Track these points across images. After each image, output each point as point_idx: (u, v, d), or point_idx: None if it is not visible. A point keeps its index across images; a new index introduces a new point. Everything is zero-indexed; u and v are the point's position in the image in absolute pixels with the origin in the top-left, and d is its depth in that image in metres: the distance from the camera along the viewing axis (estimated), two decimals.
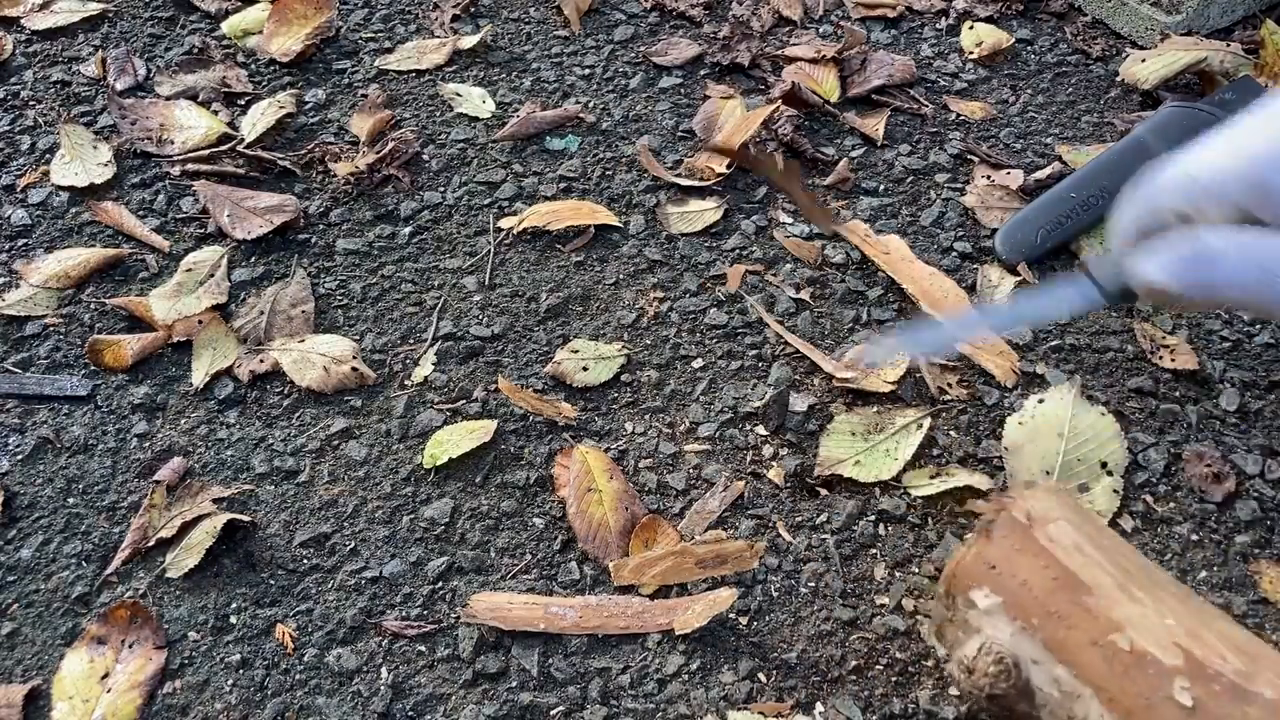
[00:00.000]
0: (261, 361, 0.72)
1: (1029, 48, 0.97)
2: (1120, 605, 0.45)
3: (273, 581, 0.62)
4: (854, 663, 0.57)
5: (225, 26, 0.99)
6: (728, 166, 0.84)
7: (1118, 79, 0.93)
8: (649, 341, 0.74)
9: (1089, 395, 0.67)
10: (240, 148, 0.87)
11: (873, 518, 0.64)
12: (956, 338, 0.43)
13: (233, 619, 0.60)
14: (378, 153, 0.85)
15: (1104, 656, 0.44)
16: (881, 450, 0.66)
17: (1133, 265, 0.43)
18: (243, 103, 0.92)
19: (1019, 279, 0.74)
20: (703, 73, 0.95)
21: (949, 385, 0.69)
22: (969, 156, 0.86)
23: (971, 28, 0.98)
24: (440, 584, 0.61)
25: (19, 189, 0.85)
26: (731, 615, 0.59)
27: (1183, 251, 0.41)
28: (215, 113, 0.90)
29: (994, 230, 0.79)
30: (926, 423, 0.67)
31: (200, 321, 0.74)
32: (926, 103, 0.91)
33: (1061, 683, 0.45)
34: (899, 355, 0.43)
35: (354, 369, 0.71)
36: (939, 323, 0.44)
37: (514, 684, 0.57)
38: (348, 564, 0.62)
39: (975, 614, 0.48)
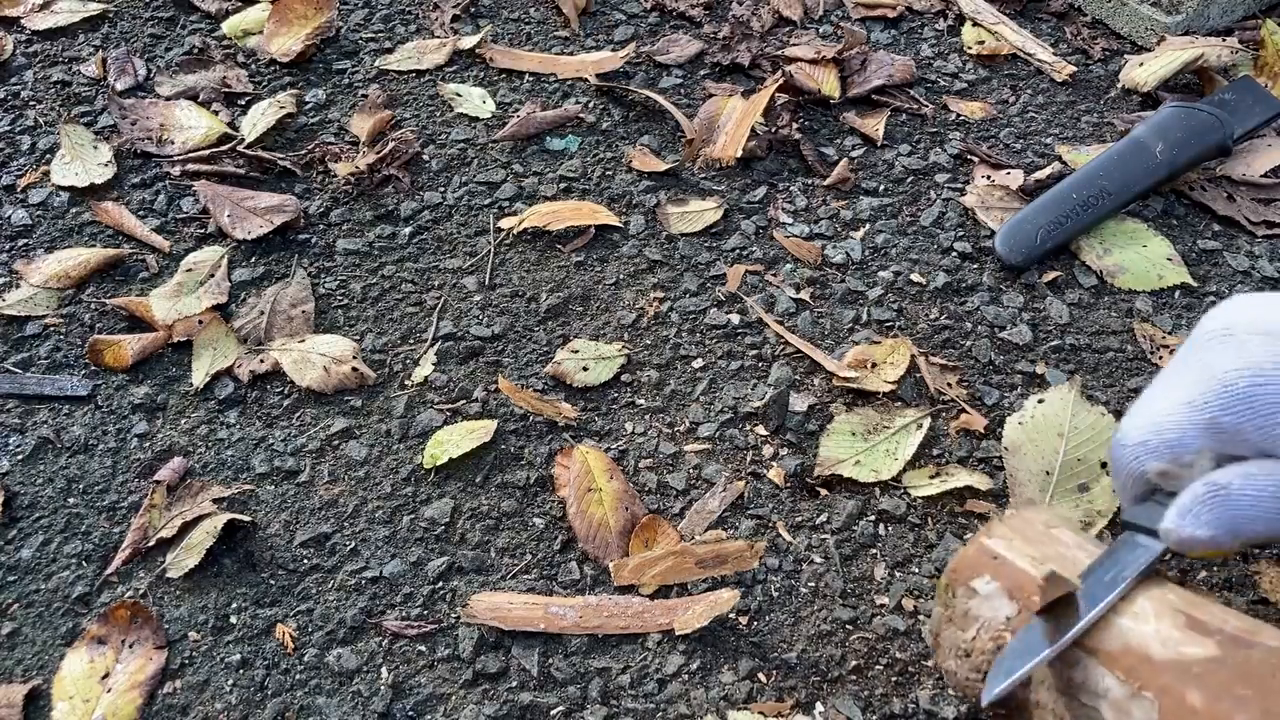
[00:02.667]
0: (262, 361, 0.72)
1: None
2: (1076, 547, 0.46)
3: (273, 581, 0.62)
4: (854, 663, 0.57)
5: (225, 26, 0.99)
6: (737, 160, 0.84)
7: (1118, 81, 0.93)
8: (649, 341, 0.74)
9: (1089, 395, 0.67)
10: (240, 148, 0.87)
11: (873, 518, 0.64)
12: (1053, 649, 0.44)
13: (233, 619, 0.60)
14: (378, 153, 0.85)
15: (1104, 627, 0.44)
16: (882, 450, 0.66)
17: (1175, 530, 0.43)
18: (243, 103, 0.92)
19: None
20: (702, 73, 0.95)
21: (949, 385, 0.69)
22: (969, 156, 0.86)
23: (975, 27, 0.98)
24: (440, 584, 0.61)
25: (19, 189, 0.85)
26: (731, 615, 0.59)
27: (1201, 496, 0.42)
28: (215, 113, 0.90)
29: (994, 230, 0.79)
30: (926, 423, 0.67)
31: (200, 321, 0.74)
32: (926, 103, 0.91)
33: (1062, 652, 0.45)
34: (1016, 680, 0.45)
35: (354, 369, 0.71)
36: (1035, 640, 0.45)
37: (514, 684, 0.57)
38: (348, 564, 0.62)
39: (976, 601, 0.48)
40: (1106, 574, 0.46)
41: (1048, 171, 0.83)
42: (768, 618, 0.59)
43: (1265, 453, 0.42)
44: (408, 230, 0.81)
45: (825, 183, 0.84)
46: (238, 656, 0.58)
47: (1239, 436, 0.42)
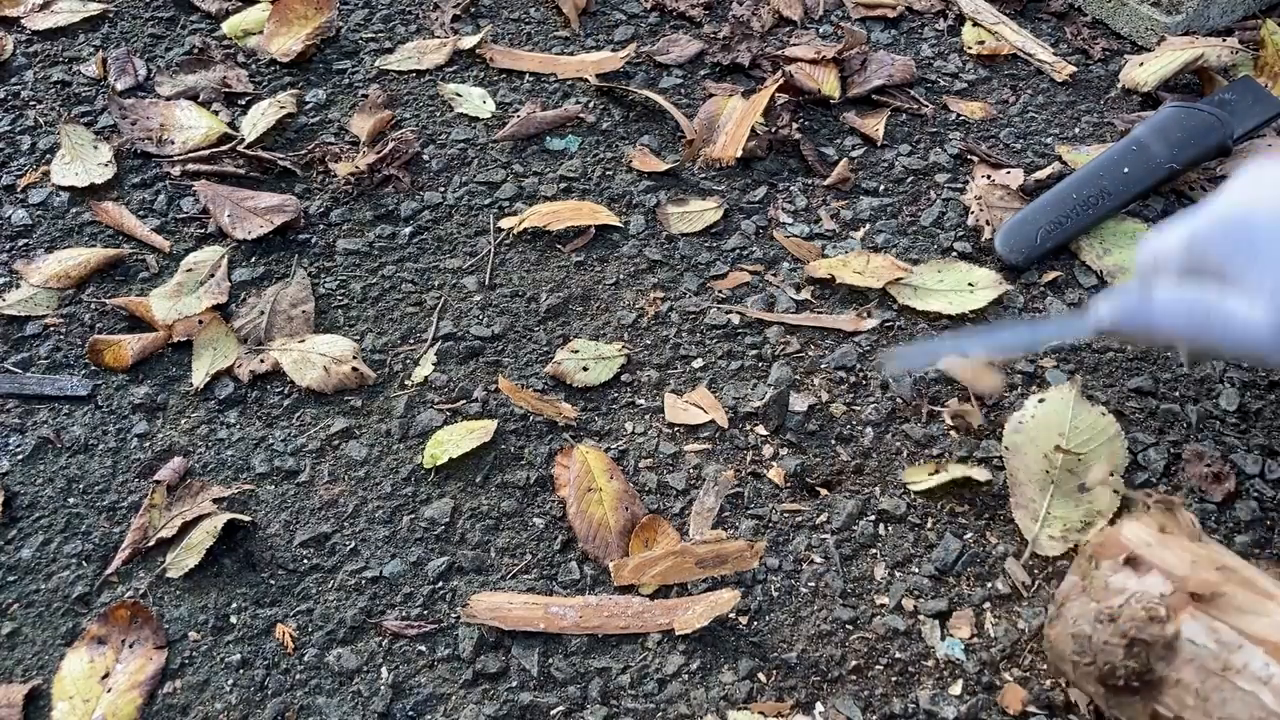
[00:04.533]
0: (262, 361, 0.72)
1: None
2: (1265, 579, 0.48)
3: (273, 581, 0.62)
4: (854, 663, 0.57)
5: (225, 26, 0.99)
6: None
7: (1118, 81, 0.93)
8: (649, 341, 0.74)
9: (1089, 395, 0.67)
10: (240, 148, 0.87)
11: (873, 518, 0.64)
12: (957, 351, 0.49)
13: (233, 619, 0.60)
14: (378, 153, 0.85)
15: (1259, 614, 0.45)
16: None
17: (1093, 305, 0.51)
18: (243, 103, 0.92)
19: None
20: (702, 73, 0.95)
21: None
22: (969, 156, 0.86)
23: (975, 26, 0.98)
24: (440, 584, 0.61)
25: (19, 189, 0.85)
26: (731, 615, 0.59)
27: (1129, 297, 0.50)
28: (215, 113, 0.90)
29: (994, 230, 0.79)
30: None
31: (200, 321, 0.74)
32: (926, 103, 0.91)
33: (1220, 634, 0.46)
34: (912, 368, 0.50)
35: (354, 369, 0.71)
36: (943, 339, 0.50)
37: (514, 684, 0.57)
38: (348, 564, 0.62)
39: (1123, 576, 0.49)
40: (1045, 323, 0.52)
41: (1048, 171, 0.83)
42: (768, 618, 0.59)
43: (1222, 279, 0.47)
44: (408, 230, 0.81)
45: (825, 183, 0.84)
46: (238, 656, 0.58)
47: (1206, 257, 0.47)
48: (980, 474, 0.64)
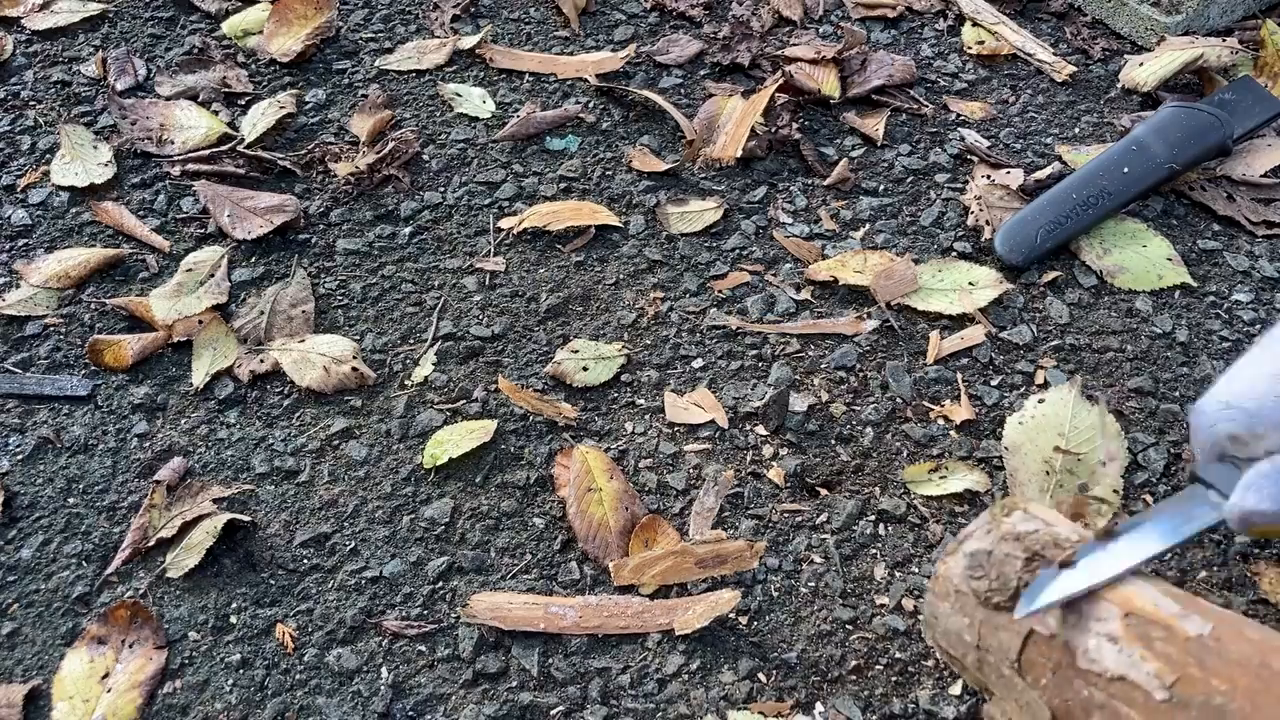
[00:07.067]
0: (261, 361, 0.72)
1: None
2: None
3: (273, 581, 0.62)
4: (854, 663, 0.57)
5: (225, 26, 0.99)
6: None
7: (1118, 82, 0.93)
8: (649, 341, 0.74)
9: (1089, 395, 0.67)
10: (240, 148, 0.87)
11: (873, 518, 0.64)
12: (1095, 583, 0.46)
13: (233, 619, 0.60)
14: (378, 153, 0.85)
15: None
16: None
17: (1238, 502, 0.45)
18: (243, 103, 0.92)
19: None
20: (702, 73, 0.95)
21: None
22: (969, 156, 0.86)
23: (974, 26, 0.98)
24: (440, 584, 0.61)
25: (19, 189, 0.85)
26: (731, 615, 0.59)
27: (1266, 473, 0.44)
28: (215, 113, 0.90)
29: (994, 230, 0.79)
30: None
31: (200, 321, 0.74)
32: (926, 103, 0.91)
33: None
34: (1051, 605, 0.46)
35: (354, 369, 0.71)
36: (1072, 569, 0.47)
37: (514, 684, 0.57)
38: (348, 564, 0.62)
39: (1034, 521, 0.50)
40: (1171, 520, 0.48)
41: (1048, 171, 0.83)
42: (768, 618, 0.59)
43: None
44: (408, 230, 0.81)
45: (825, 183, 0.84)
46: (238, 656, 0.58)
47: None
48: (981, 481, 0.64)
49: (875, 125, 0.89)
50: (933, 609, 0.51)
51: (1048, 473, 0.63)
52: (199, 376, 0.72)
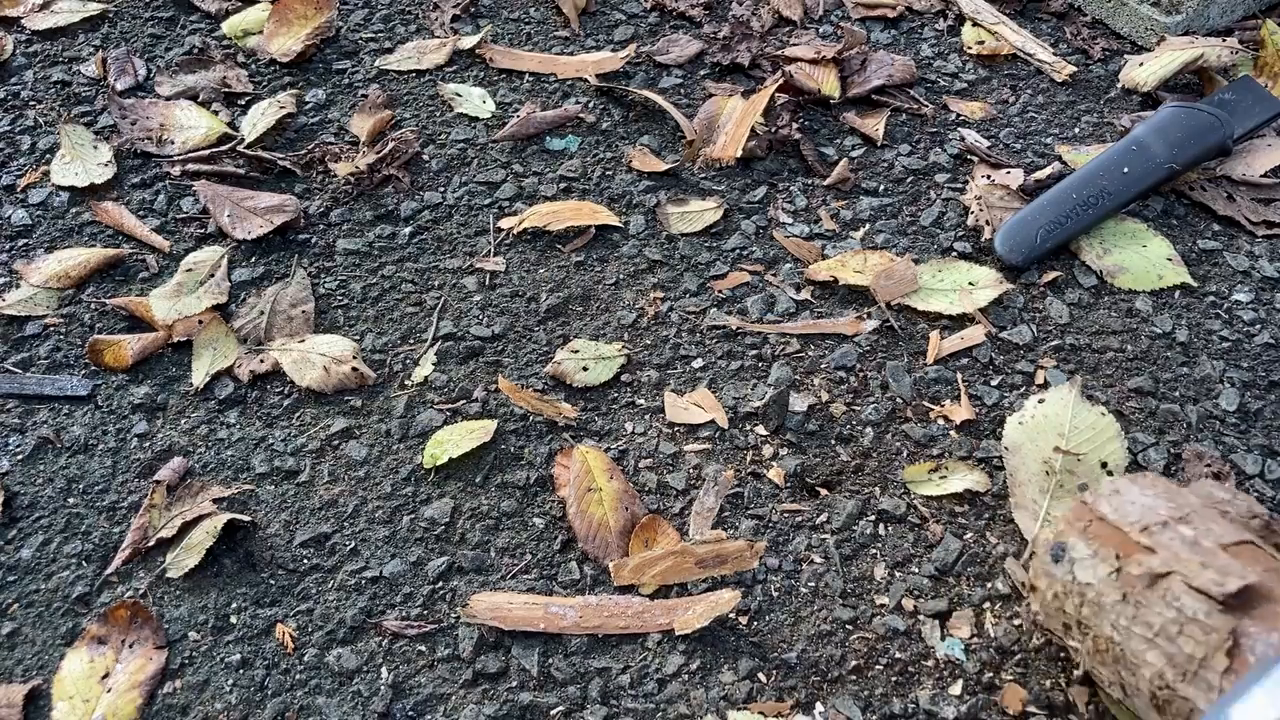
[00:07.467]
0: (261, 361, 0.72)
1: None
2: None
3: (273, 581, 0.62)
4: (854, 663, 0.57)
5: (225, 26, 0.99)
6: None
7: (1118, 82, 0.93)
8: (649, 341, 0.74)
9: (1089, 395, 0.67)
10: (240, 148, 0.87)
11: (873, 518, 0.64)
12: None
13: (233, 619, 0.60)
14: (378, 153, 0.85)
15: None
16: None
17: None
18: (243, 103, 0.92)
19: None
20: (702, 73, 0.95)
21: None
22: (969, 156, 0.86)
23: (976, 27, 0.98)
24: (440, 584, 0.61)
25: (19, 189, 0.85)
26: (731, 615, 0.59)
27: None
28: (215, 113, 0.90)
29: (994, 230, 0.79)
30: None
31: (200, 321, 0.74)
32: (926, 103, 0.91)
33: None
34: None
35: (354, 369, 0.71)
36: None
37: (514, 684, 0.57)
38: (348, 564, 0.62)
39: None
40: None
41: (1048, 171, 0.83)
42: (768, 618, 0.59)
43: None
44: (407, 230, 0.81)
45: (825, 183, 0.84)
46: (238, 656, 0.58)
47: None
48: (981, 481, 0.64)
49: (875, 125, 0.89)
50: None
51: (1048, 473, 0.63)
52: (199, 376, 0.72)
